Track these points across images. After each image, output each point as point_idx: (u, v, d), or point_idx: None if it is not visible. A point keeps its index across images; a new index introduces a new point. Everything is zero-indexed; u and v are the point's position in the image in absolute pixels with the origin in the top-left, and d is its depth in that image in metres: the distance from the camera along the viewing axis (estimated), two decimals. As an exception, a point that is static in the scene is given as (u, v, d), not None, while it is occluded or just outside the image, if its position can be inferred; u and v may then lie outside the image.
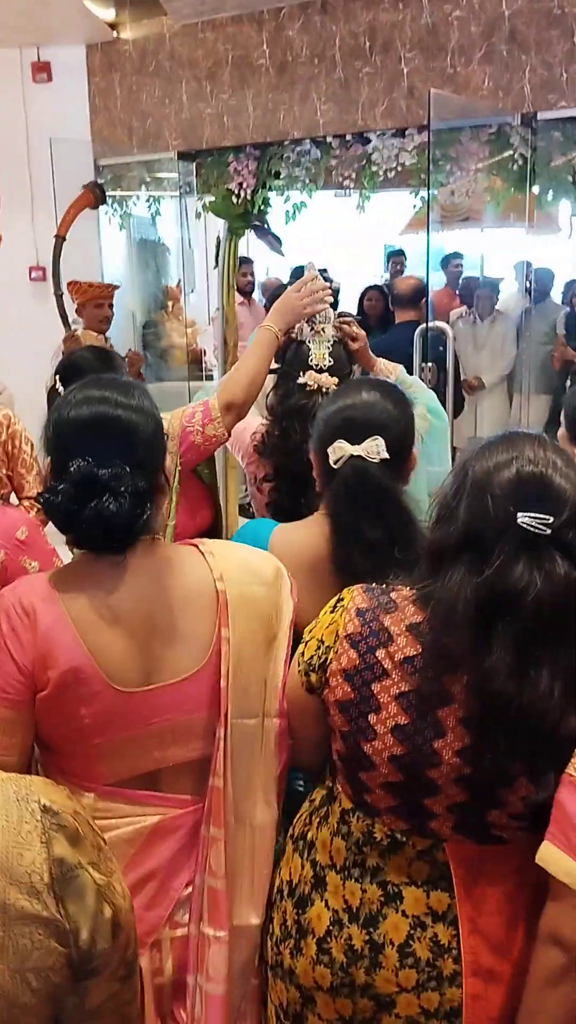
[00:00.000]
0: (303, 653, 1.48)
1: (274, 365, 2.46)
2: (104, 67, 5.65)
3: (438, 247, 6.75)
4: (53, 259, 4.97)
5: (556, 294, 6.99)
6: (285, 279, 7.84)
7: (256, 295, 7.37)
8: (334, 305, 2.63)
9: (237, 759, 1.53)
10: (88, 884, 0.97)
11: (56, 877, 0.95)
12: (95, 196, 5.21)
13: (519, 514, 1.25)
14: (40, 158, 5.73)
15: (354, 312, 6.63)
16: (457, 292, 7.20)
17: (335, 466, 1.77)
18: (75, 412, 1.46)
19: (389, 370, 2.71)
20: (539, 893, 1.29)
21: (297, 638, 1.56)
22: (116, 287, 5.11)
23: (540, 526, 1.24)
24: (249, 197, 5.19)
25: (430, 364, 4.56)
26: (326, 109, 4.82)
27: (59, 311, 4.95)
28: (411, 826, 1.39)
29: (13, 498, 3.18)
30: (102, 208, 5.54)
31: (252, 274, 7.19)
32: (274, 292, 4.83)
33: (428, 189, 4.47)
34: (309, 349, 2.44)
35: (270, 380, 2.48)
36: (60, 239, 4.98)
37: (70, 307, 4.93)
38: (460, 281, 7.24)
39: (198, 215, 5.64)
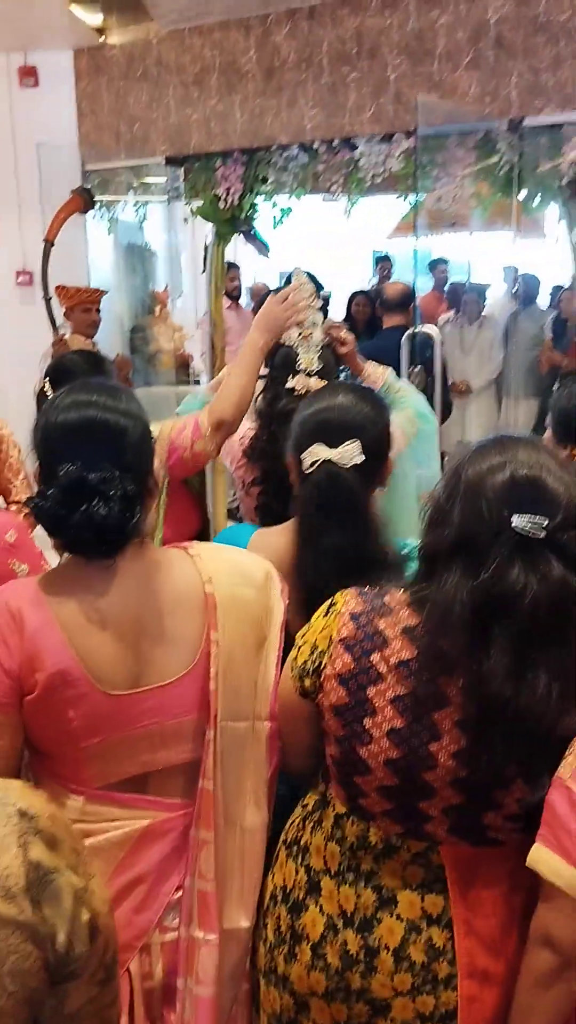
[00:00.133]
0: (296, 658, 1.47)
1: (263, 370, 2.46)
2: (91, 72, 5.65)
3: (426, 251, 6.78)
4: (42, 264, 4.97)
5: (543, 299, 7.03)
6: (273, 284, 7.86)
7: (244, 300, 7.38)
8: (324, 313, 2.64)
9: (227, 762, 1.52)
10: (65, 888, 0.97)
11: (32, 881, 0.94)
12: (84, 201, 5.21)
13: (514, 517, 1.25)
14: (27, 163, 5.72)
15: (342, 317, 6.65)
16: (445, 297, 7.24)
17: (308, 470, 1.77)
18: (63, 416, 1.46)
19: (378, 374, 2.71)
20: (533, 894, 1.29)
21: (288, 641, 1.56)
22: (104, 292, 5.11)
23: (535, 529, 1.24)
24: (237, 202, 5.19)
25: (418, 368, 4.57)
26: (313, 114, 4.83)
27: (48, 315, 4.94)
28: (406, 829, 1.39)
29: (0, 502, 3.17)
30: (89, 213, 5.54)
31: (240, 279, 7.20)
32: (262, 297, 4.85)
33: (415, 194, 4.49)
34: (298, 353, 2.44)
35: (259, 384, 2.49)
36: (49, 244, 4.98)
37: (58, 311, 4.93)
38: (448, 286, 7.28)
39: (186, 220, 5.65)
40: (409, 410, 2.71)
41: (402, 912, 1.38)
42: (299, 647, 1.48)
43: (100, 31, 5.50)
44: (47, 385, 2.60)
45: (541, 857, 1.24)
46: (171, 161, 5.39)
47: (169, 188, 5.48)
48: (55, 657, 1.42)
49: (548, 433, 2.47)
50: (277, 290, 2.57)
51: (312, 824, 1.50)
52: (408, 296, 5.12)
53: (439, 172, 4.55)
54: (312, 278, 2.55)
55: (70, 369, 2.59)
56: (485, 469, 1.30)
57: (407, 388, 2.82)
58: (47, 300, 4.95)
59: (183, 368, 6.48)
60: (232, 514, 4.69)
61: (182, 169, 5.39)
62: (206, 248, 5.74)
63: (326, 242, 8.15)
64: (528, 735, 1.25)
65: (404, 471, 2.74)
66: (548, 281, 7.04)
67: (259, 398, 2.50)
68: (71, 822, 1.46)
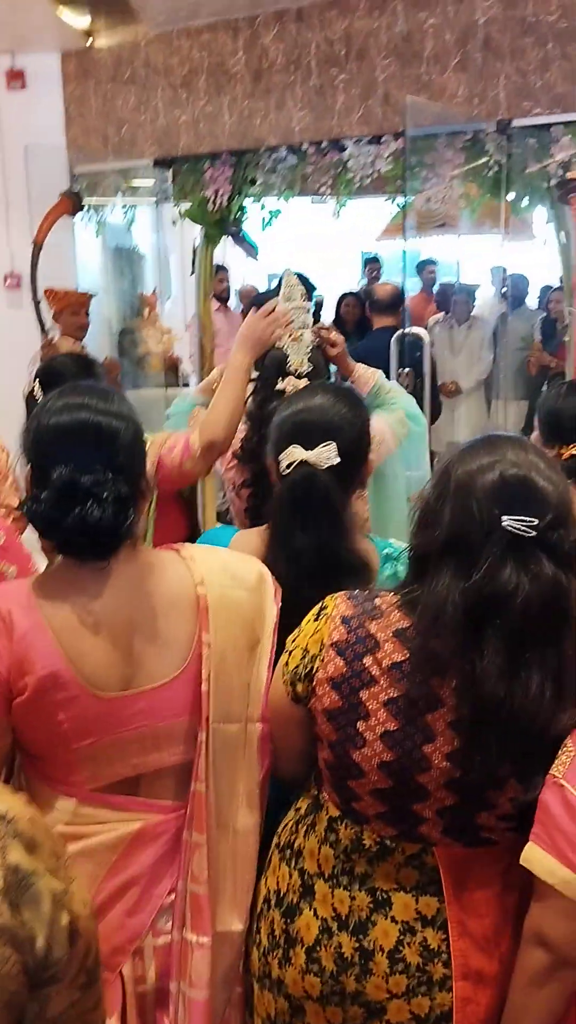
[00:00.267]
0: (287, 663, 1.47)
1: (253, 373, 2.46)
2: (79, 74, 5.64)
3: (415, 251, 6.79)
4: (30, 266, 4.96)
5: (532, 300, 7.05)
6: (262, 286, 7.86)
7: (233, 302, 7.38)
8: (316, 317, 2.64)
9: (220, 764, 1.52)
10: (44, 891, 0.97)
11: (11, 884, 0.94)
12: (72, 203, 5.21)
13: (504, 517, 1.25)
14: (15, 165, 5.71)
15: (331, 318, 6.66)
16: (434, 298, 7.25)
17: (286, 471, 1.77)
18: (55, 419, 1.46)
19: (368, 376, 2.71)
20: (526, 894, 1.30)
21: (279, 644, 1.56)
22: (92, 295, 5.10)
23: (526, 528, 1.24)
24: (225, 204, 5.20)
25: (407, 369, 4.58)
26: (302, 116, 4.84)
27: (37, 318, 4.94)
28: (400, 832, 1.39)
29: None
30: (78, 215, 5.54)
31: (228, 281, 7.20)
32: (250, 301, 4.84)
33: (404, 196, 4.50)
34: (288, 355, 2.44)
35: (249, 387, 2.48)
36: (37, 246, 4.97)
37: (47, 314, 4.92)
38: (437, 287, 7.29)
39: (174, 222, 5.65)
40: (400, 411, 2.72)
41: (396, 914, 1.38)
42: (290, 652, 1.48)
43: (88, 34, 5.50)
44: (37, 388, 2.59)
45: (535, 856, 1.24)
46: (159, 163, 5.39)
47: (157, 190, 5.48)
48: (44, 660, 1.41)
49: (536, 433, 2.48)
50: (260, 299, 2.56)
51: (305, 827, 1.49)
52: (398, 297, 5.13)
53: (428, 173, 4.56)
54: (303, 279, 2.54)
55: (60, 372, 2.58)
56: (475, 469, 1.30)
57: (397, 390, 2.82)
58: (36, 303, 4.95)
59: (172, 371, 6.47)
60: (222, 516, 4.69)
61: (170, 171, 5.40)
62: (194, 250, 5.74)
63: (315, 244, 8.16)
64: (522, 735, 1.25)
65: (394, 472, 2.75)
66: (537, 282, 7.06)
67: (249, 400, 2.50)
68: (65, 824, 1.47)
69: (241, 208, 5.25)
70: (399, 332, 4.66)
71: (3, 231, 5.96)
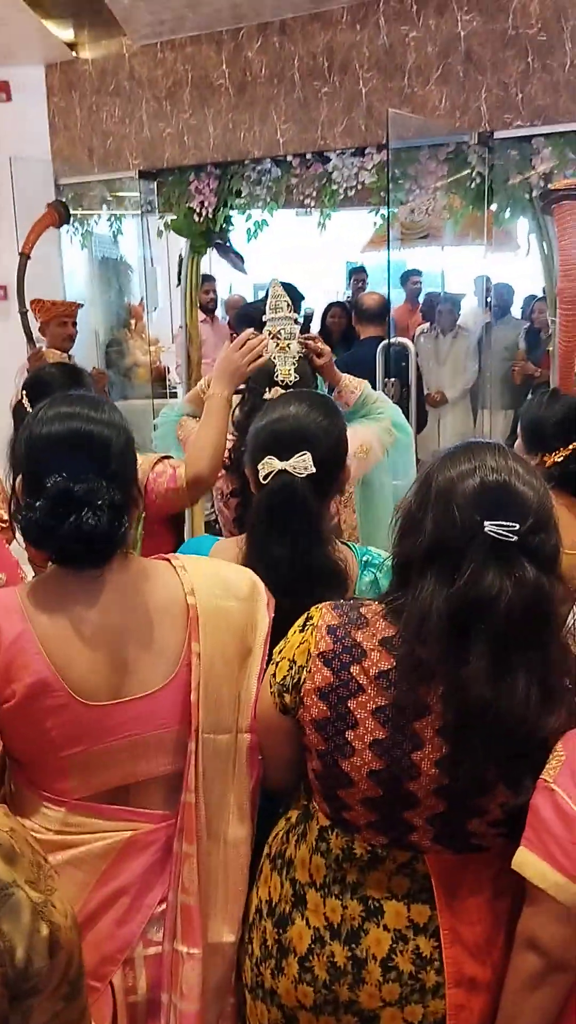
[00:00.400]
0: (275, 674, 1.47)
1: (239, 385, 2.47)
2: (64, 87, 5.66)
3: (400, 262, 6.82)
4: (17, 277, 4.96)
5: (516, 310, 7.09)
6: (248, 297, 7.88)
7: (219, 312, 7.39)
8: (305, 330, 2.65)
9: (210, 774, 1.52)
10: (23, 902, 0.97)
11: None
12: (59, 215, 5.21)
13: (486, 522, 1.26)
14: (0, 177, 5.71)
15: (317, 328, 6.67)
16: (419, 308, 7.28)
17: (264, 481, 1.77)
18: (47, 428, 1.46)
19: (354, 385, 2.73)
20: (518, 900, 1.30)
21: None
22: (79, 305, 5.10)
23: (507, 533, 1.25)
24: (211, 215, 5.22)
25: (393, 379, 4.59)
26: (286, 128, 4.87)
27: (24, 329, 4.93)
28: (391, 840, 1.39)
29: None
30: (64, 227, 5.54)
31: (215, 291, 7.21)
32: (239, 311, 4.85)
33: (388, 207, 4.52)
34: (275, 365, 2.45)
35: (235, 398, 2.49)
36: (24, 257, 4.98)
37: (34, 325, 4.92)
38: (422, 297, 7.32)
39: (160, 233, 5.66)
40: (386, 420, 2.73)
41: (389, 922, 1.38)
42: (276, 663, 1.48)
43: (72, 46, 5.52)
44: (24, 399, 2.59)
45: (526, 860, 1.25)
46: (144, 175, 5.41)
47: (143, 202, 5.49)
48: (32, 668, 1.41)
49: (518, 442, 2.49)
50: (247, 311, 2.57)
51: (296, 837, 1.49)
52: (384, 306, 5.15)
53: (411, 185, 4.60)
54: (290, 289, 2.55)
55: (48, 382, 2.58)
56: (455, 476, 1.31)
57: (383, 400, 2.84)
58: (23, 314, 4.94)
59: (159, 381, 6.48)
60: (210, 527, 4.69)
61: (155, 183, 5.42)
62: (180, 261, 5.75)
63: (300, 255, 8.18)
64: (509, 738, 1.26)
65: (381, 481, 2.76)
66: (521, 292, 7.10)
67: (236, 410, 2.50)
68: (55, 832, 1.46)
69: (227, 219, 5.27)
70: (385, 342, 4.68)
71: (-11, 243, 5.95)
